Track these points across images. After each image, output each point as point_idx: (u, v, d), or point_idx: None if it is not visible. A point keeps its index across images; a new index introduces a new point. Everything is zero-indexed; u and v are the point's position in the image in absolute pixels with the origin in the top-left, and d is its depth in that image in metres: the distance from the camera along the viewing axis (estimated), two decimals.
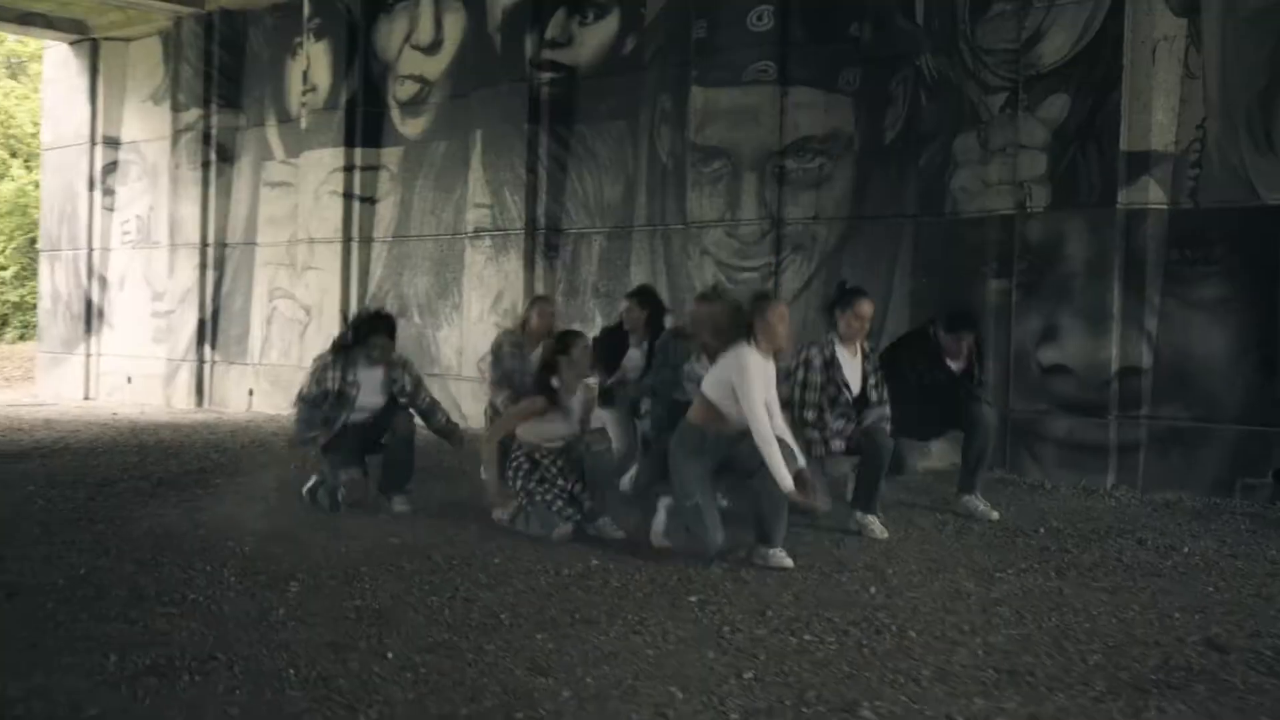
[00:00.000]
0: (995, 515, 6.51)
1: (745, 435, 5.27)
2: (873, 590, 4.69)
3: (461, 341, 10.84)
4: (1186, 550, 5.72)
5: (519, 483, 5.91)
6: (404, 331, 11.29)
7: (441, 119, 11.22)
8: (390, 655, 3.70)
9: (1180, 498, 7.24)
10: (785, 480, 4.92)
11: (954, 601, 4.53)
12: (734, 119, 9.24)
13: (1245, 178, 7.33)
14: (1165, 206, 7.56)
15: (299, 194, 12.05)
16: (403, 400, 6.72)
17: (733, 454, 5.21)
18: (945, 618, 4.28)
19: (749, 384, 5.03)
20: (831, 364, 6.00)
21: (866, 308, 6.14)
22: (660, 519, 5.44)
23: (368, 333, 6.69)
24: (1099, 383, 7.66)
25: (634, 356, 7.56)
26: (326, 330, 11.73)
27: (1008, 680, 3.55)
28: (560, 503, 5.80)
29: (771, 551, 5.11)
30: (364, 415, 6.61)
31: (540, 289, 10.40)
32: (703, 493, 5.14)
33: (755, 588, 4.72)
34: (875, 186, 8.77)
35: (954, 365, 6.69)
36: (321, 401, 6.59)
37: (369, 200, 11.69)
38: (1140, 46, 7.59)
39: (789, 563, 5.07)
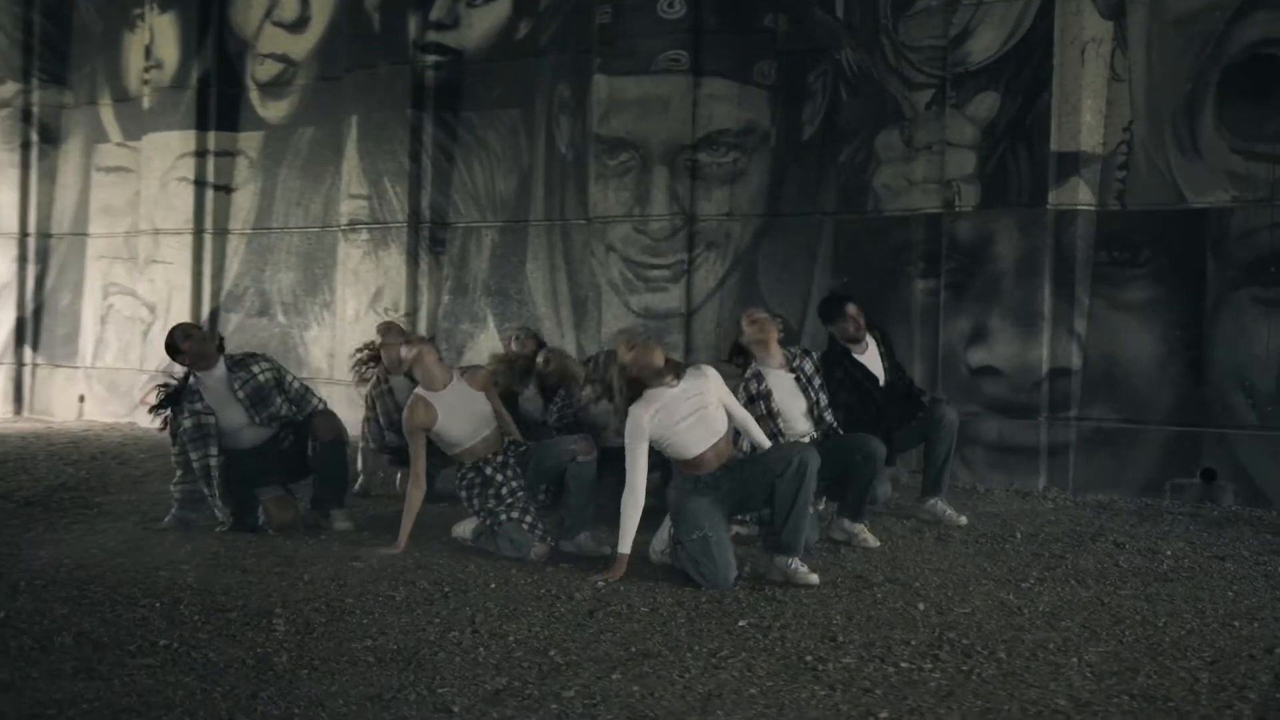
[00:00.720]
0: (964, 520, 6.31)
1: (741, 464, 4.89)
2: (921, 607, 4.35)
3: (334, 343, 10.03)
4: (1170, 553, 5.62)
5: (475, 502, 5.35)
6: (267, 331, 10.46)
7: (308, 102, 10.38)
8: (455, 709, 3.12)
9: (1112, 499, 7.22)
10: (623, 544, 4.78)
11: (1012, 617, 4.24)
12: (643, 109, 8.81)
13: (1172, 180, 7.38)
14: (1093, 208, 7.54)
15: (141, 180, 10.96)
16: (271, 397, 5.85)
17: (735, 484, 4.85)
18: (1021, 636, 3.98)
19: (628, 440, 4.80)
20: (763, 394, 5.66)
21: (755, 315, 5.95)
22: (662, 535, 4.97)
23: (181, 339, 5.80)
24: (1029, 384, 7.58)
25: (529, 397, 7.03)
26: None
27: (1150, 708, 3.26)
28: (530, 518, 5.26)
29: (793, 564, 4.72)
30: (246, 440, 5.79)
31: (425, 285, 9.74)
32: (712, 525, 4.71)
33: (797, 608, 4.31)
34: (793, 183, 8.50)
35: (860, 355, 6.42)
36: (188, 461, 5.75)
37: (224, 189, 10.72)
38: (1069, 47, 7.55)
39: (814, 579, 4.69)
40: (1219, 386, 7.23)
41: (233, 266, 10.71)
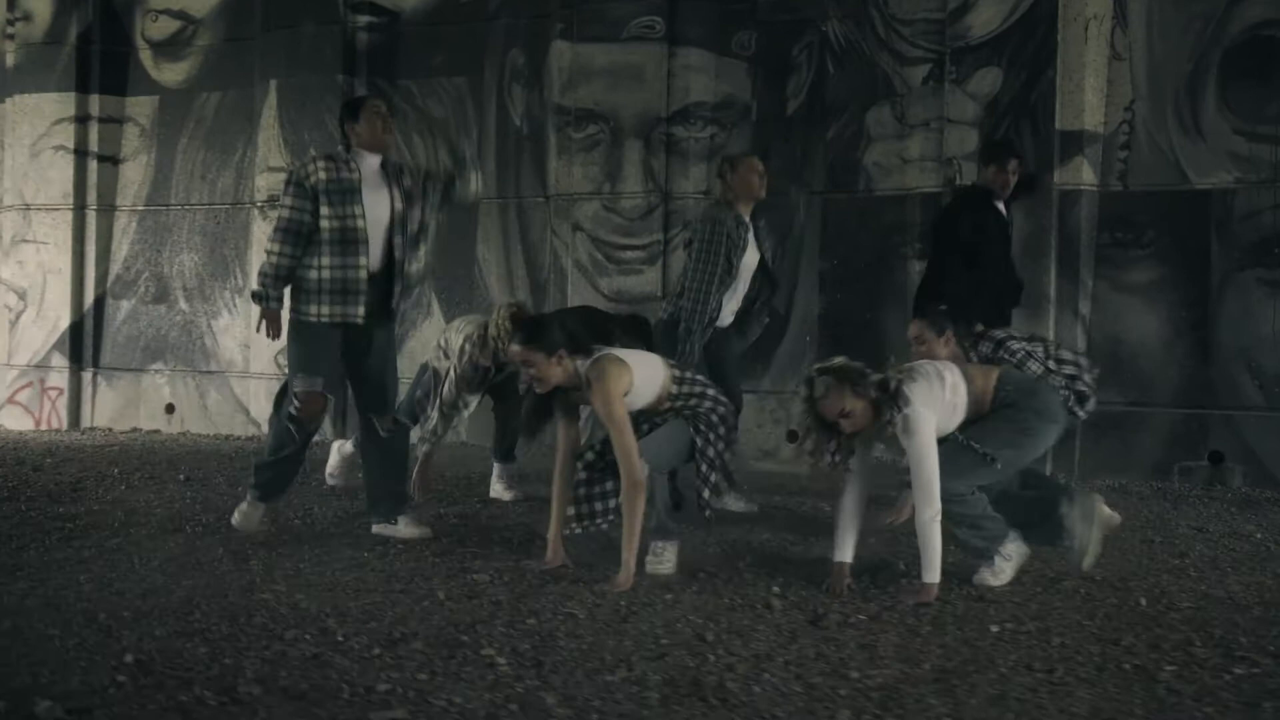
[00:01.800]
0: None
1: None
2: (1143, 602, 4.03)
3: (249, 333, 8.99)
4: (1259, 537, 5.50)
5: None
6: (166, 320, 9.35)
7: (213, 65, 9.28)
8: None
9: (1121, 483, 7.11)
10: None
11: (1243, 609, 4.00)
12: (613, 79, 8.23)
13: (1174, 161, 7.35)
14: (1096, 188, 7.45)
15: (6, 149, 9.58)
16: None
17: None
18: None
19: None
20: None
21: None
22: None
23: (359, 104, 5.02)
24: None
25: None
26: (51, 319, 9.44)
27: None
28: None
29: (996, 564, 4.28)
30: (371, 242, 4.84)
31: None
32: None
33: (1022, 609, 3.90)
34: (777, 160, 8.02)
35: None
36: (303, 221, 4.80)
37: (111, 160, 9.49)
38: (1073, 23, 7.42)
39: (1000, 581, 4.28)
40: (1225, 368, 7.24)
41: (122, 247, 9.50)
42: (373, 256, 4.89)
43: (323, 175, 4.83)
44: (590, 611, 3.74)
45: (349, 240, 4.83)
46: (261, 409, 8.92)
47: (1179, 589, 4.29)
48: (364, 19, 8.83)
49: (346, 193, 4.82)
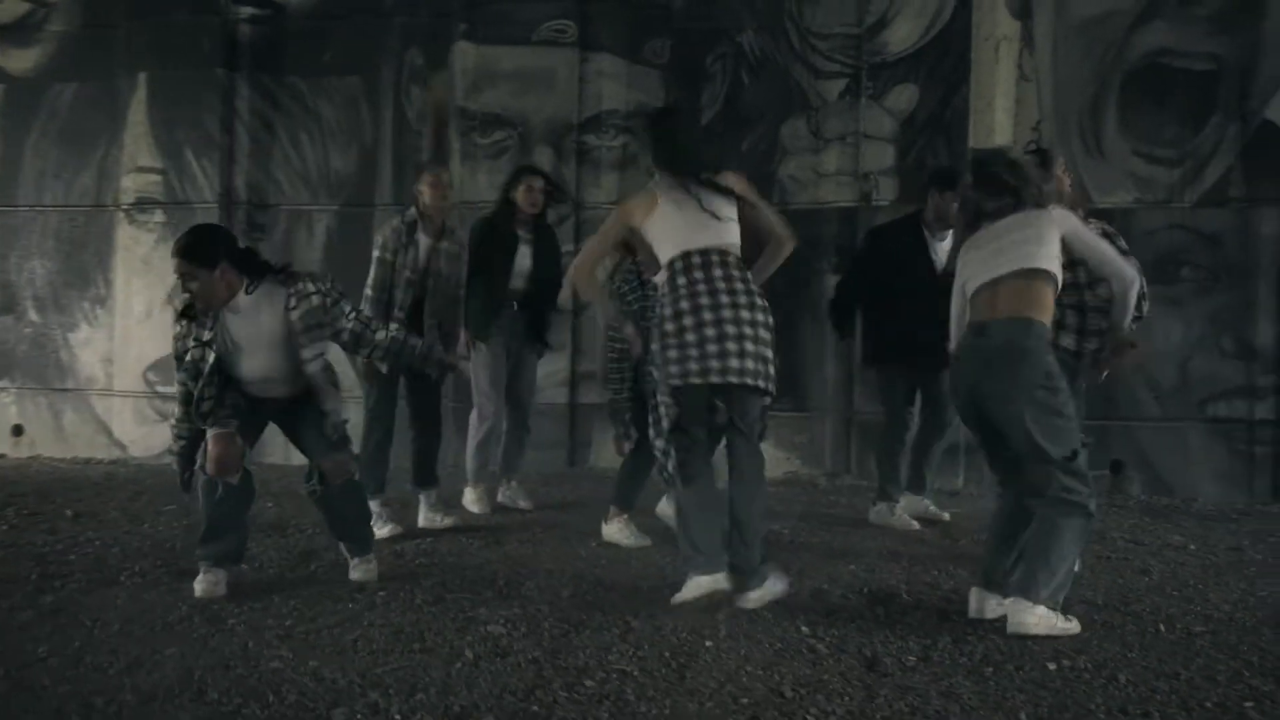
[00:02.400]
0: (946, 516, 6.17)
1: None
2: (1161, 628, 4.04)
3: (112, 346, 8.29)
4: (1194, 548, 5.68)
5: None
6: (14, 332, 8.54)
7: (70, 53, 8.48)
8: None
9: None
10: None
11: (1252, 635, 4.02)
12: (522, 83, 7.92)
13: (1078, 180, 7.53)
14: None
15: None
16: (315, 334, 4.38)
17: None
18: None
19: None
20: None
21: None
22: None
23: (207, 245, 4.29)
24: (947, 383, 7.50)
25: (525, 255, 6.19)
26: None
27: None
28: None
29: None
30: (270, 385, 4.38)
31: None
32: None
33: (1054, 642, 3.84)
34: None
35: (939, 250, 5.87)
36: (190, 400, 4.31)
37: None
38: (984, 43, 7.56)
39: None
40: (1125, 381, 7.48)
41: None
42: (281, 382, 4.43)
43: (196, 355, 4.30)
44: (640, 666, 3.48)
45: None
46: (126, 429, 8.24)
47: (1178, 610, 4.34)
48: (246, 10, 8.22)
49: (213, 373, 4.29)
